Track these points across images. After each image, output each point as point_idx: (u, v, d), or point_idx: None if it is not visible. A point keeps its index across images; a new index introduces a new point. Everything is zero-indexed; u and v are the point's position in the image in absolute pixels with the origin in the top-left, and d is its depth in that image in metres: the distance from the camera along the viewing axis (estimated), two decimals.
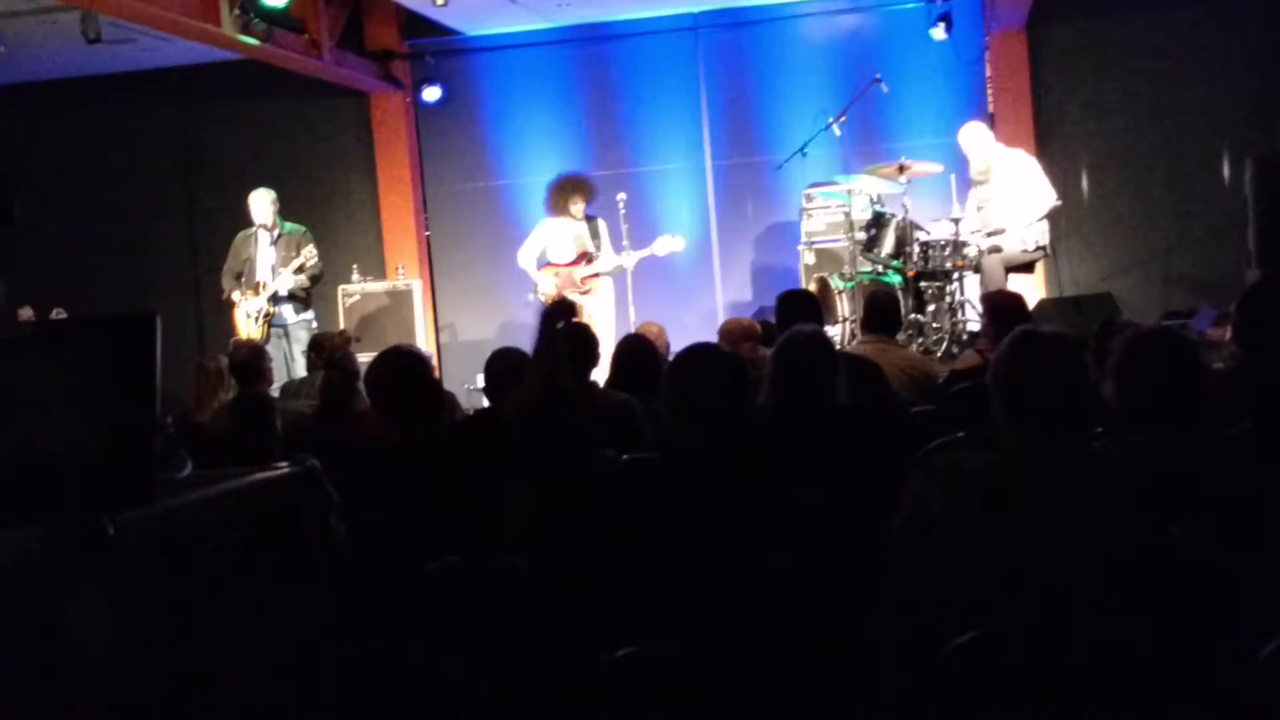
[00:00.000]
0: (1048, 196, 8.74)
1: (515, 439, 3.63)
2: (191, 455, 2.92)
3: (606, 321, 9.45)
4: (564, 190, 9.75)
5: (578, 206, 9.67)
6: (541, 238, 9.77)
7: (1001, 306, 6.14)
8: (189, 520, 2.57)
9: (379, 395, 4.31)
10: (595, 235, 9.72)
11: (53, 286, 10.68)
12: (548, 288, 9.58)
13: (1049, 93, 10.53)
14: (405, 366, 4.27)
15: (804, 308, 5.87)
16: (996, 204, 8.77)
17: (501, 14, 10.48)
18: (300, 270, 9.22)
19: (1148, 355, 3.31)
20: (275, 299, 9.25)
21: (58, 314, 8.76)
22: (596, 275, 9.63)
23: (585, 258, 9.62)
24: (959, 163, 9.18)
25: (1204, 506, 2.97)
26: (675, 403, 3.35)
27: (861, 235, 8.99)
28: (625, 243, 9.65)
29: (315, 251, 9.29)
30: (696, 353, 3.50)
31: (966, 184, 9.12)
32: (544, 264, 9.74)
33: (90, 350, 2.49)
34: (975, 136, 8.96)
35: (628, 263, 9.62)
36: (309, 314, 9.42)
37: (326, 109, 11.59)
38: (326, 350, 7.58)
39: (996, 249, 8.59)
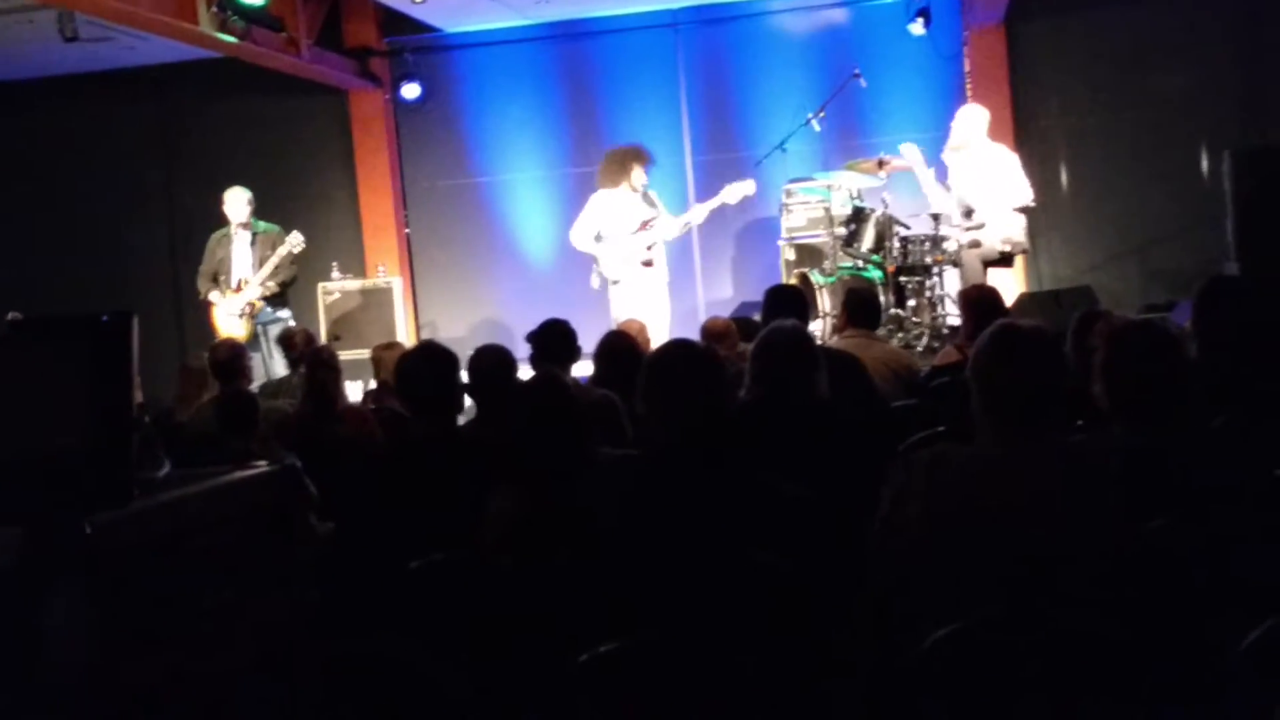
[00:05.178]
0: (1024, 193, 8.74)
1: (511, 435, 3.63)
2: (172, 454, 2.90)
3: (661, 299, 9.19)
4: (626, 157, 9.36)
5: (640, 178, 9.27)
6: (595, 213, 9.31)
7: (976, 302, 6.16)
8: (167, 520, 2.56)
9: (411, 389, 4.40)
10: (651, 204, 9.31)
11: (31, 286, 10.65)
12: (610, 265, 9.20)
13: (1027, 87, 10.54)
14: (442, 363, 4.39)
15: (787, 302, 5.87)
16: (971, 191, 8.77)
17: (480, 11, 10.46)
18: (276, 273, 9.14)
19: (1131, 348, 3.31)
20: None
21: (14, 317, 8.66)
22: (654, 244, 9.21)
23: (645, 225, 9.18)
24: (937, 157, 9.18)
25: (1183, 499, 2.98)
26: (650, 399, 3.35)
27: (841, 230, 9.01)
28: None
29: (300, 237, 9.15)
30: (670, 349, 3.50)
31: (941, 165, 9.09)
32: (600, 239, 9.26)
33: (66, 350, 2.48)
34: (972, 116, 8.94)
35: (695, 218, 9.37)
36: (286, 312, 9.36)
37: (305, 107, 11.53)
38: (307, 347, 7.53)
39: (975, 244, 8.60)
